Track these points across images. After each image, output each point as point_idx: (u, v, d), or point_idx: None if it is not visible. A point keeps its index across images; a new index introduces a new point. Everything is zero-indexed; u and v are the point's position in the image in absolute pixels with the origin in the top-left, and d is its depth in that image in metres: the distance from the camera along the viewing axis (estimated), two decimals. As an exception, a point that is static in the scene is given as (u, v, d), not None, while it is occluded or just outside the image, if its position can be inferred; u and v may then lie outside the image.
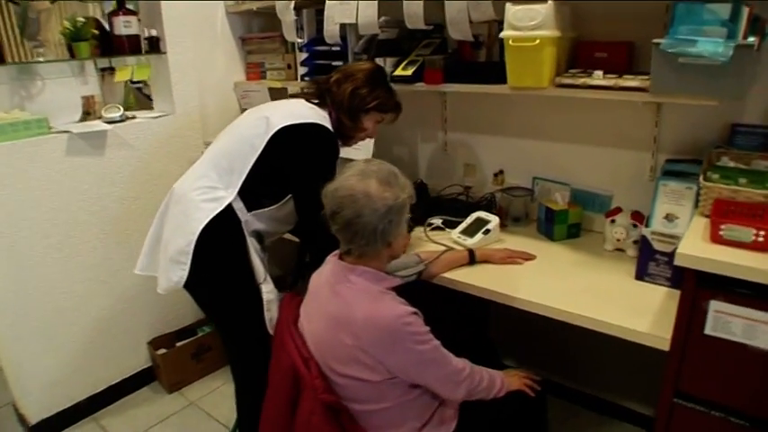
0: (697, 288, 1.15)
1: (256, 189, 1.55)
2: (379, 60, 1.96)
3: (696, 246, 1.18)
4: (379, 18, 1.87)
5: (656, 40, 1.32)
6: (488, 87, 1.71)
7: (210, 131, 2.42)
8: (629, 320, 1.31)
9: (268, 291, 1.57)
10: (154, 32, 2.21)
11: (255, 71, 2.59)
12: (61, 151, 2.00)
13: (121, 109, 2.18)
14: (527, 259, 1.70)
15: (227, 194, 1.52)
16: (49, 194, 2.00)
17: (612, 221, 1.71)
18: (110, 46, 2.16)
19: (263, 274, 1.57)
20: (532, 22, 1.51)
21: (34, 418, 2.13)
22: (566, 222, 1.83)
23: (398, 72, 1.92)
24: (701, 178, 1.37)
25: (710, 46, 1.25)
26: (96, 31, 2.10)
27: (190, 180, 1.56)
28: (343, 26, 2.01)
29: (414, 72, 1.88)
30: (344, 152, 2.14)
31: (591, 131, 1.86)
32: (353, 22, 1.93)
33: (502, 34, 1.57)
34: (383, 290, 1.22)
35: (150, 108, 2.43)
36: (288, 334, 1.31)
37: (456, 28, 1.73)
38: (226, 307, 1.57)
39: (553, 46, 1.54)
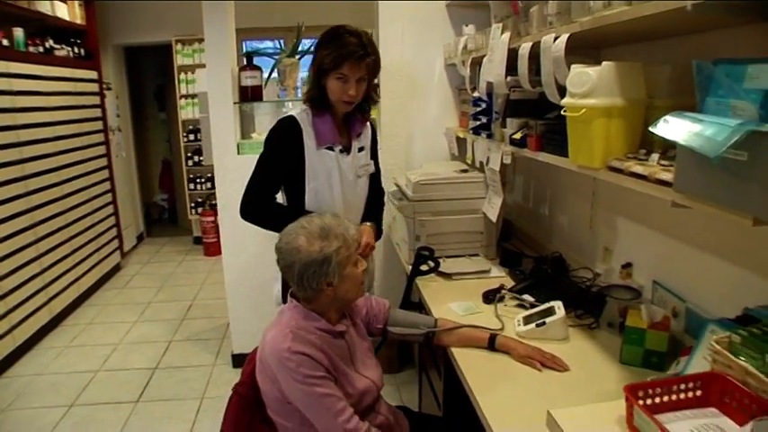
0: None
1: None
2: (508, 121, 1.89)
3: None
4: (506, 78, 1.82)
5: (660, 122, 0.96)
6: (557, 159, 1.48)
7: (413, 165, 2.77)
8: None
9: None
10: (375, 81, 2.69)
11: (465, 119, 2.76)
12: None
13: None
14: (552, 367, 1.39)
15: None
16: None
17: (677, 364, 1.22)
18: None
19: None
20: (583, 88, 1.27)
21: (237, 349, 2.99)
22: (641, 346, 1.38)
23: (515, 135, 1.81)
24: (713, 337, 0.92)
25: (712, 129, 0.85)
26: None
27: None
28: (489, 83, 2.02)
29: (522, 137, 1.75)
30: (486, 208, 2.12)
31: (721, 238, 1.34)
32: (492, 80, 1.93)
33: (562, 101, 1.36)
34: (302, 326, 1.32)
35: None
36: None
37: (549, 91, 1.55)
38: None
39: (606, 117, 1.24)
